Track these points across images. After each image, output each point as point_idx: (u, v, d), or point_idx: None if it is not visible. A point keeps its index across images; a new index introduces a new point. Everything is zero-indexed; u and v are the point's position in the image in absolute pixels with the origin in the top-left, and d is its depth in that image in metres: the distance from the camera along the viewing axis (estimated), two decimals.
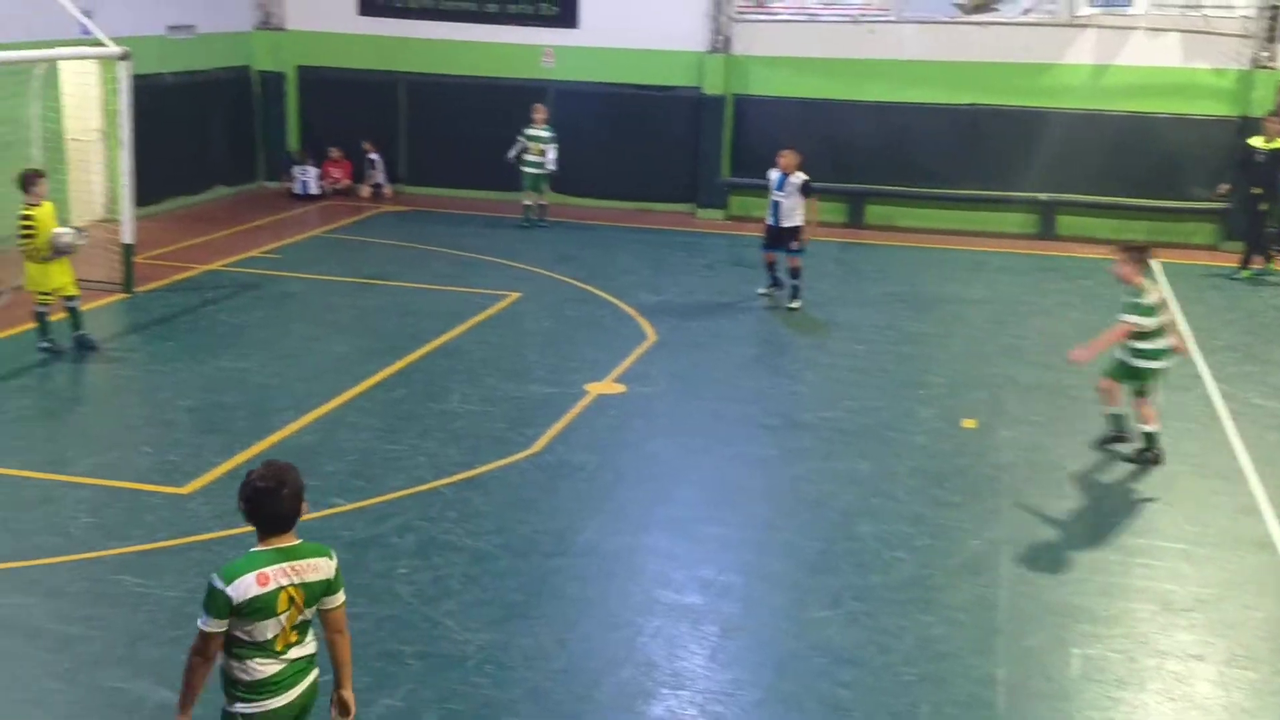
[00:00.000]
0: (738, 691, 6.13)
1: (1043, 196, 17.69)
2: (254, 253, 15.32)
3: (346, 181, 19.33)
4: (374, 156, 19.30)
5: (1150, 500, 8.65)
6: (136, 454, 8.91)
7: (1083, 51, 17.33)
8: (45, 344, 11.02)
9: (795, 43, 18.14)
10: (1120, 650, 6.58)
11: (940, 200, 18.06)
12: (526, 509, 8.16)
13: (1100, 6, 17.02)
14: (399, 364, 11.10)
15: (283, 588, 4.29)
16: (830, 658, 6.45)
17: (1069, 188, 17.58)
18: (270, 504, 4.29)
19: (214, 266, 14.46)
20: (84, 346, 11.15)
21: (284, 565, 4.31)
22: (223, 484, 8.34)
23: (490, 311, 13.00)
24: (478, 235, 16.77)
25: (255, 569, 4.26)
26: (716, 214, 18.45)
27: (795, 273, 13.53)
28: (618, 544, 7.72)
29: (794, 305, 13.53)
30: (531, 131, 17.13)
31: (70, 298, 11.12)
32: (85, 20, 13.72)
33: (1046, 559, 7.70)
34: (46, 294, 10.94)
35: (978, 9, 17.58)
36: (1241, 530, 8.08)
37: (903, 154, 17.97)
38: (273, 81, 19.59)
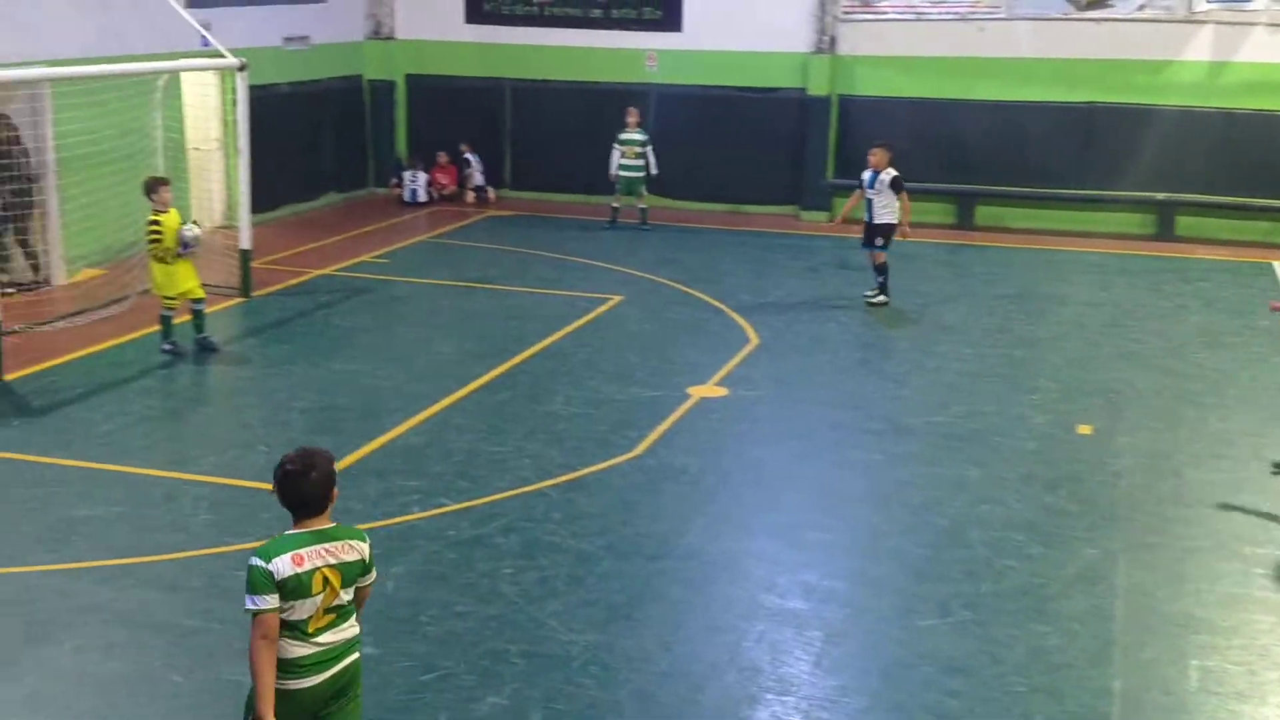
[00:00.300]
0: (843, 699, 6.07)
1: (1160, 196, 17.16)
2: (364, 257, 15.66)
3: (453, 187, 19.65)
4: (470, 157, 19.57)
5: (1272, 508, 8.32)
6: (254, 453, 9.17)
7: (1201, 48, 16.78)
8: (168, 346, 11.41)
9: (902, 42, 17.90)
10: (1240, 663, 6.35)
11: (1053, 200, 17.65)
12: (629, 511, 8.19)
13: (1219, 2, 16.46)
14: (504, 366, 11.24)
15: (318, 569, 4.39)
16: (939, 666, 6.34)
17: (1187, 187, 17.03)
18: (300, 487, 4.44)
19: (327, 271, 14.82)
20: (205, 349, 11.52)
21: (319, 547, 4.42)
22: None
23: (593, 315, 13.08)
24: (580, 239, 16.89)
25: (291, 550, 4.37)
26: (820, 216, 18.29)
27: (880, 269, 13.52)
28: (721, 548, 7.71)
29: (875, 299, 13.53)
30: (626, 135, 17.20)
31: (197, 300, 11.51)
32: (205, 32, 14.19)
33: (1164, 568, 7.47)
34: (172, 297, 11.34)
35: (1091, 5, 17.13)
36: None
37: (1014, 153, 17.61)
38: (383, 90, 20.01)
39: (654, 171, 17.25)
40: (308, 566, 4.36)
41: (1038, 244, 16.89)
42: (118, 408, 10.06)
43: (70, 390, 10.45)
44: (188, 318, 11.61)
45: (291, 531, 4.47)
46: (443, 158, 19.62)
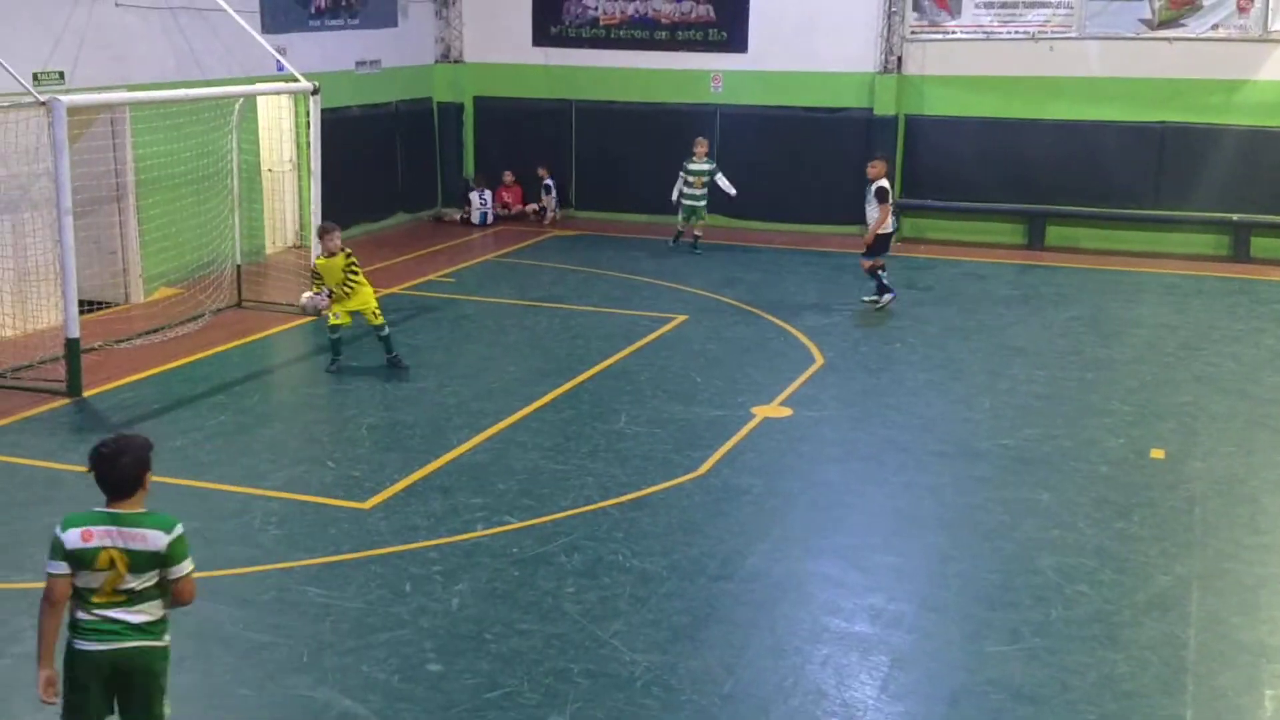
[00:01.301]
0: None
1: (1234, 217, 16.84)
2: (432, 276, 15.86)
3: (519, 207, 19.84)
4: (549, 182, 19.74)
5: None
6: (322, 469, 9.31)
7: (1275, 67, 16.47)
8: (332, 367, 11.66)
9: (970, 62, 17.77)
10: None
11: (1126, 221, 17.40)
12: (693, 531, 8.18)
13: None
14: (568, 385, 11.30)
15: (105, 548, 4.64)
16: (1008, 693, 6.24)
17: (1261, 208, 16.70)
18: (108, 469, 4.66)
19: (395, 290, 15.02)
20: (395, 365, 11.68)
21: (111, 528, 4.66)
22: (402, 500, 8.64)
23: (657, 334, 13.11)
24: (644, 258, 16.95)
25: (84, 525, 4.67)
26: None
27: (872, 273, 14.15)
28: (785, 569, 7.67)
29: (875, 302, 14.16)
30: (693, 165, 17.09)
31: (377, 327, 11.65)
32: (280, 57, 14.50)
33: (1239, 597, 7.29)
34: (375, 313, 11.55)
35: (1164, 24, 16.88)
36: None
37: (1085, 173, 17.39)
38: (451, 112, 20.28)
39: (732, 193, 17.12)
40: (94, 544, 4.64)
41: (1109, 265, 16.64)
42: (191, 423, 10.27)
43: (146, 406, 10.69)
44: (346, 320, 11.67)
45: (97, 508, 4.72)
46: (508, 177, 19.81)
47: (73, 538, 4.64)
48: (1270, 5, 16.26)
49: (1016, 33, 17.50)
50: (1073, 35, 17.24)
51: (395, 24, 19.06)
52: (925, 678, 6.45)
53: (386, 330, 11.73)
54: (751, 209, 18.70)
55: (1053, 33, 17.35)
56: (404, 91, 19.48)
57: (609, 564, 7.65)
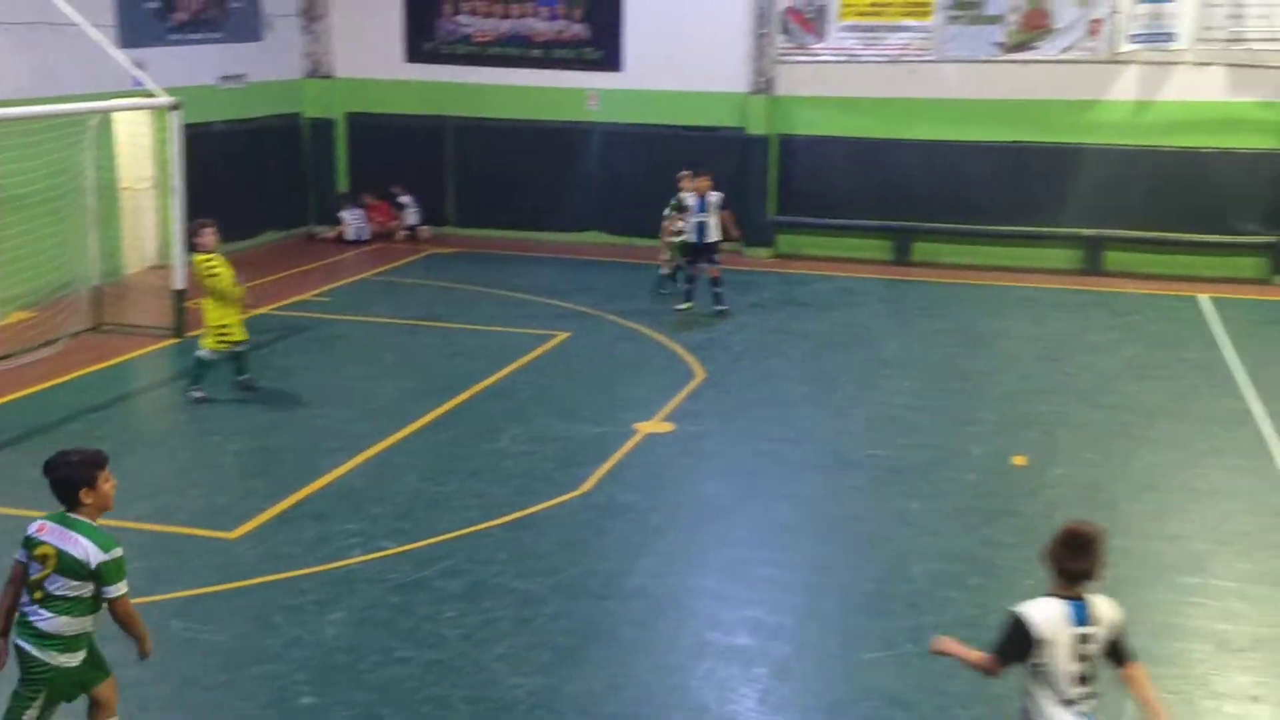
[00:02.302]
0: None
1: (1088, 232, 17.56)
2: (304, 296, 15.54)
3: (389, 224, 19.60)
4: (405, 199, 19.53)
5: (1203, 539, 8.49)
6: (186, 498, 9.02)
7: (1126, 88, 17.25)
8: (199, 393, 11.11)
9: (838, 83, 18.19)
10: (1177, 692, 6.45)
11: (987, 237, 17.98)
12: (577, 550, 8.16)
13: (1142, 43, 16.94)
14: (448, 405, 11.18)
15: (46, 543, 5.01)
16: (883, 700, 6.37)
17: (1116, 223, 17.44)
18: (49, 478, 5.08)
19: (265, 310, 14.64)
20: (247, 389, 11.31)
21: (58, 526, 5.05)
22: (272, 528, 8.42)
23: (539, 351, 13.07)
24: (526, 275, 16.90)
25: (44, 520, 5.09)
26: (764, 252, 18.48)
27: (718, 281, 14.77)
28: (668, 585, 7.70)
29: (722, 308, 14.72)
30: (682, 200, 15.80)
31: (239, 343, 11.23)
32: (138, 72, 14.05)
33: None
34: (223, 334, 11.03)
35: (1018, 48, 17.55)
36: None
37: (949, 191, 17.93)
38: (322, 128, 19.94)
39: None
40: (41, 536, 5.04)
41: (973, 279, 17.18)
42: (48, 453, 9.82)
43: None
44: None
45: (63, 510, 5.10)
46: (369, 198, 19.54)
47: (32, 526, 5.08)
48: (1121, 29, 17.02)
49: (880, 55, 17.99)
50: (932, 58, 17.80)
51: (260, 38, 18.68)
52: (804, 688, 6.54)
53: (225, 354, 11.25)
54: (630, 225, 18.81)
55: (914, 55, 17.89)
56: (272, 107, 19.07)
57: (491, 586, 7.58)
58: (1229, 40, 16.52)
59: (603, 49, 18.91)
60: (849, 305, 15.61)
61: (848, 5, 17.96)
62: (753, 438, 10.51)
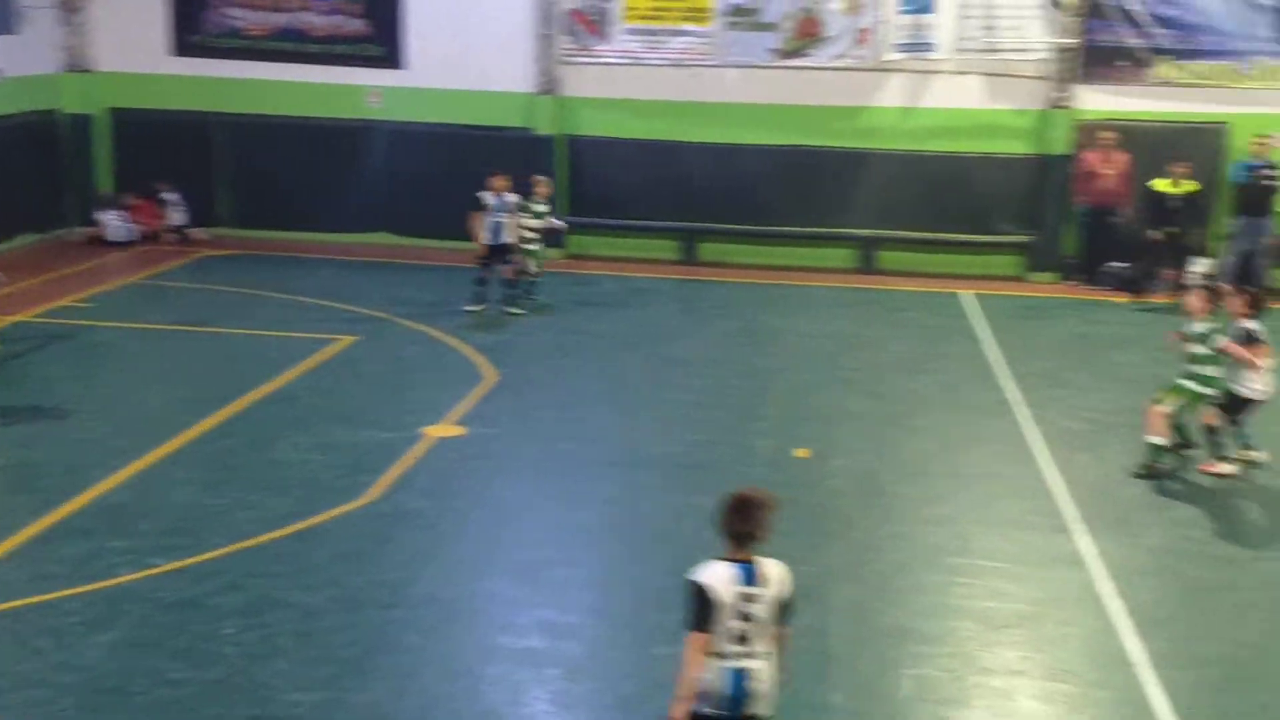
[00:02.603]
0: None
1: (864, 233, 18.32)
2: (64, 301, 14.61)
3: (156, 225, 18.65)
4: (167, 196, 18.64)
5: (970, 521, 8.98)
6: None
7: (892, 94, 18.07)
8: None
9: (624, 85, 18.36)
10: (947, 669, 6.79)
11: (771, 237, 18.51)
12: (362, 560, 7.96)
13: (906, 52, 17.80)
14: (223, 413, 10.72)
15: None
16: (672, 694, 6.45)
17: (887, 224, 18.24)
18: None
19: (21, 317, 13.71)
20: None
21: None
22: (34, 547, 7.89)
23: (322, 356, 12.69)
24: (308, 278, 16.37)
25: None
26: (555, 253, 18.46)
27: (512, 282, 14.86)
28: (457, 591, 7.60)
29: (516, 311, 14.76)
30: (538, 207, 15.64)
31: None
32: None
33: (876, 583, 7.92)
34: None
35: (792, 54, 18.15)
36: (1055, 548, 8.46)
37: (734, 193, 18.35)
38: (81, 124, 18.80)
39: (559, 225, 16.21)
40: None
41: (759, 279, 17.66)
42: None
43: None
44: None
45: None
46: (132, 197, 18.55)
47: None
48: (886, 38, 17.83)
49: (662, 59, 18.28)
50: (713, 63, 18.21)
51: (13, 30, 17.46)
52: (596, 686, 6.58)
53: None
54: (418, 225, 18.50)
55: (695, 60, 18.26)
56: (27, 103, 17.86)
57: (270, 601, 7.30)
58: (983, 51, 17.55)
59: (384, 46, 18.51)
60: (640, 305, 15.80)
61: (630, 8, 18.17)
62: (545, 439, 10.50)
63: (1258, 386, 9.48)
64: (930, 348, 14.12)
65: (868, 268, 18.31)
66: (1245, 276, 16.18)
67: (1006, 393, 12.13)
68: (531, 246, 15.61)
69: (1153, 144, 17.06)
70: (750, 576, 4.89)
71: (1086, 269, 17.46)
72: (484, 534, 8.58)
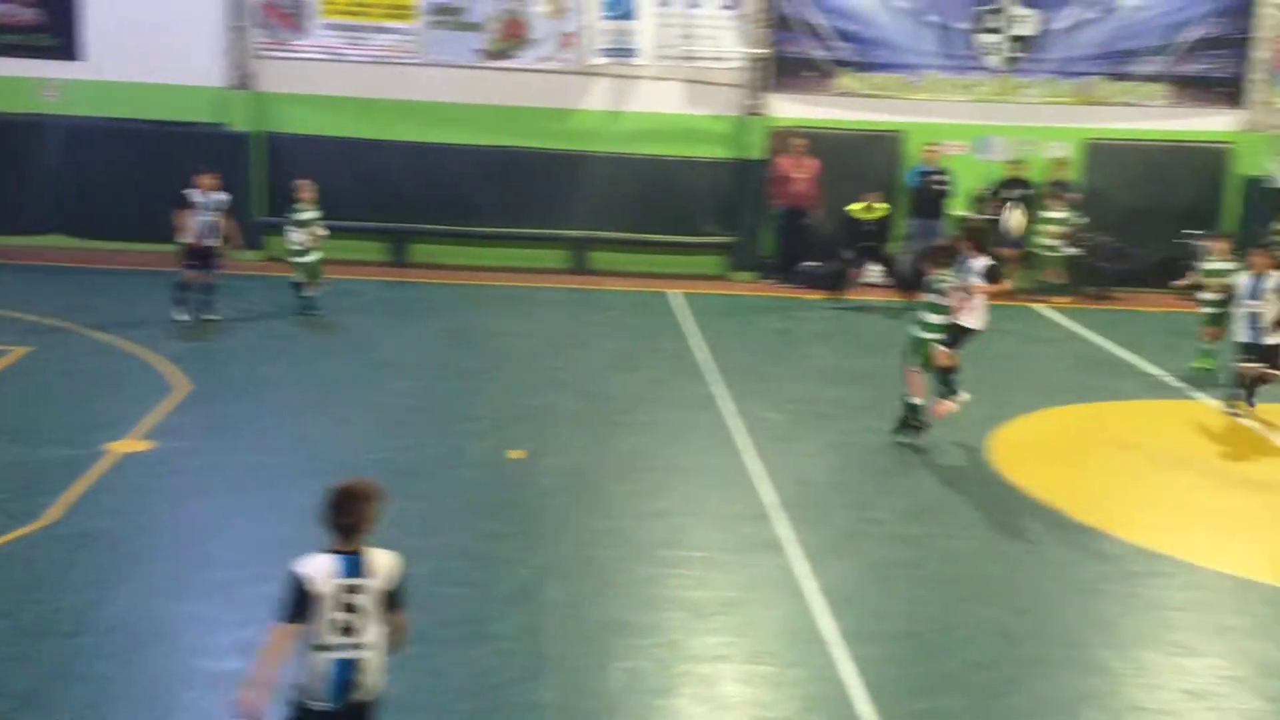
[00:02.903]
0: None
1: (575, 233, 18.57)
2: None
3: None
4: None
5: (680, 514, 9.26)
6: None
7: (598, 98, 18.44)
8: None
9: (326, 82, 17.86)
10: (656, 659, 6.96)
11: (482, 238, 18.46)
12: (40, 587, 7.34)
13: (610, 56, 18.19)
14: None
15: None
16: (385, 706, 6.30)
17: (598, 225, 18.58)
18: None
19: None
20: None
21: None
22: None
23: None
24: None
25: None
26: (253, 255, 17.69)
27: (209, 288, 14.11)
28: (149, 615, 7.14)
29: (213, 317, 14.02)
30: (304, 215, 14.81)
31: None
32: None
33: (590, 578, 8.03)
34: None
35: (498, 55, 18.18)
36: (757, 536, 8.84)
37: (443, 194, 18.18)
38: None
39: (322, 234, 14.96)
40: None
41: (470, 280, 17.56)
42: None
43: None
44: None
45: None
46: None
47: None
48: (591, 43, 18.14)
49: (365, 56, 17.88)
50: (418, 61, 17.97)
51: None
52: None
53: None
54: (100, 228, 17.30)
55: (398, 58, 17.96)
56: None
57: None
58: (682, 58, 18.18)
59: (59, 36, 17.23)
60: (347, 308, 15.36)
61: (329, 3, 17.67)
62: (243, 450, 10.03)
63: (976, 318, 10.62)
64: (641, 346, 14.48)
65: (580, 268, 18.58)
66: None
67: (713, 387, 12.59)
68: (304, 259, 14.76)
69: (839, 150, 18.18)
70: (354, 568, 4.93)
71: (782, 268, 18.41)
72: (177, 553, 8.09)
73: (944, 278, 10.63)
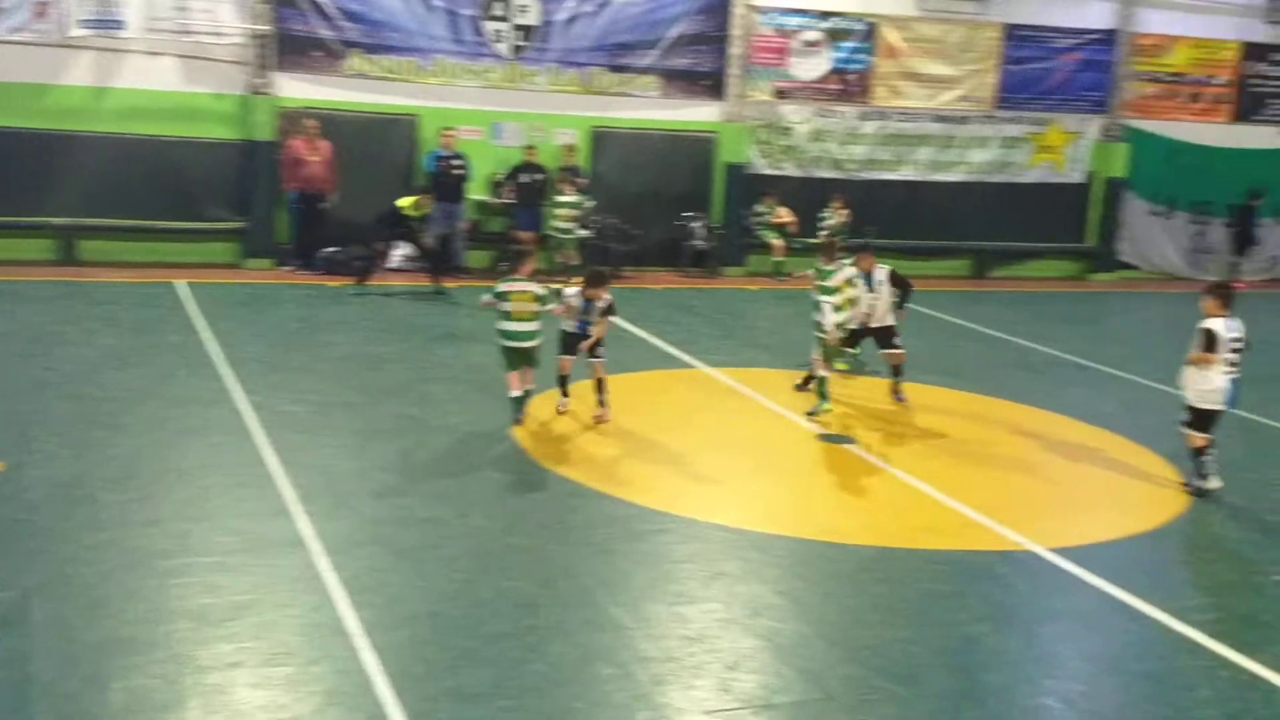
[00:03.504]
0: None
1: (61, 221, 16.87)
2: None
3: None
4: None
5: (185, 518, 8.64)
6: None
7: (82, 73, 16.86)
8: None
9: None
10: (161, 675, 6.45)
11: None
12: None
13: (93, 28, 16.66)
14: None
15: None
16: None
17: (88, 211, 17.01)
18: None
19: None
20: None
21: None
22: None
23: None
24: None
25: None
26: None
27: None
28: None
29: None
30: None
31: None
32: None
33: (83, 597, 7.30)
34: None
35: None
36: (275, 533, 8.45)
37: None
38: None
39: None
40: None
41: None
42: None
43: None
44: None
45: None
46: None
47: None
48: (70, 13, 16.47)
49: None
50: None
51: None
52: None
53: None
54: None
55: None
56: None
57: None
58: (176, 32, 17.02)
59: None
60: None
61: None
62: None
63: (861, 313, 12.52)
64: (142, 341, 13.43)
65: (69, 259, 16.96)
66: (445, 256, 17.70)
67: (225, 381, 11.92)
68: None
69: (354, 132, 17.88)
70: None
71: (300, 255, 17.83)
72: None
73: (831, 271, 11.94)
